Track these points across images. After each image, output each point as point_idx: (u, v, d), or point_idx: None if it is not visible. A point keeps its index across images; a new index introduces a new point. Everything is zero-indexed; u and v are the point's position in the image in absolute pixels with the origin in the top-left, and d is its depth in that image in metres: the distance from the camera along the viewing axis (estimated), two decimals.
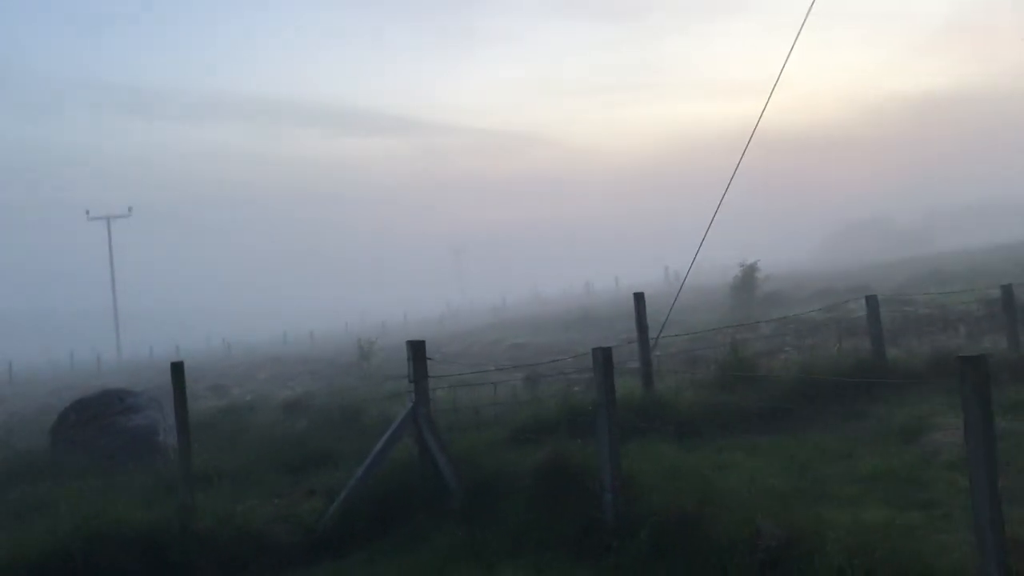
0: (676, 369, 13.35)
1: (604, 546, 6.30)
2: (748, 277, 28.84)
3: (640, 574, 5.93)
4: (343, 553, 7.67)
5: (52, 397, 30.26)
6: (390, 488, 8.24)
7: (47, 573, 6.99)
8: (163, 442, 12.85)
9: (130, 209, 64.62)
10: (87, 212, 63.79)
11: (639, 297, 9.81)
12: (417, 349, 8.49)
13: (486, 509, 7.45)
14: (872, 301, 10.92)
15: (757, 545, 5.39)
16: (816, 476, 7.54)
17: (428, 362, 8.56)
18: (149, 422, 13.02)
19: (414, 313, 67.75)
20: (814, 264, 67.76)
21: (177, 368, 7.76)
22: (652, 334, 12.60)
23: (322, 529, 7.91)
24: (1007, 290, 11.51)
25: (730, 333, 16.78)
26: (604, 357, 6.62)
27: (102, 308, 65.78)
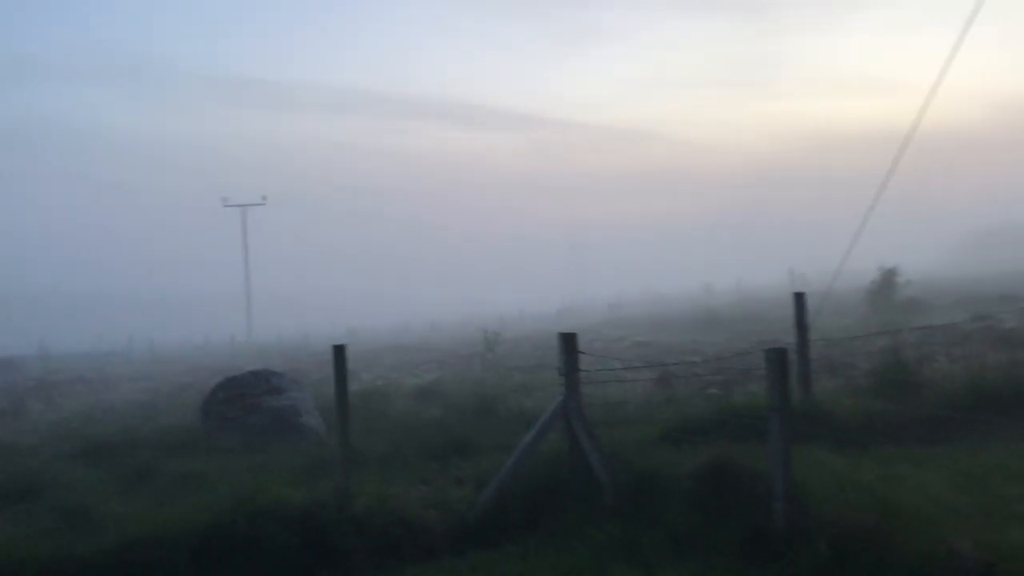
0: (817, 372, 12.84)
1: (775, 555, 6.03)
2: (887, 282, 27.63)
3: None
4: (494, 544, 7.63)
5: (189, 375, 31.70)
6: (539, 481, 8.17)
7: (212, 545, 7.22)
8: (305, 423, 13.20)
9: (264, 198, 67.13)
10: (224, 200, 66.56)
11: (799, 297, 9.44)
12: (569, 342, 8.38)
13: (642, 509, 7.28)
14: None
15: (954, 567, 5.04)
16: (999, 495, 7.04)
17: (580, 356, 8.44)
18: (293, 403, 13.38)
19: (530, 307, 67.95)
20: (947, 270, 64.56)
21: (339, 351, 7.88)
22: (790, 338, 12.13)
23: (472, 519, 7.90)
24: None
25: (874, 339, 16.07)
26: (779, 359, 6.34)
27: (233, 292, 68.65)
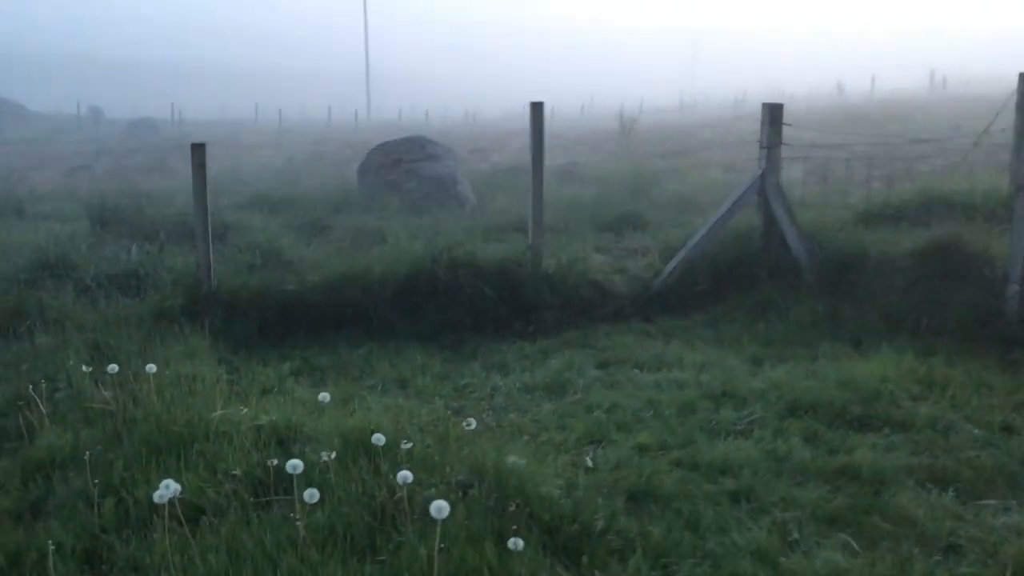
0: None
1: (1006, 339, 5.84)
2: None
3: None
4: (681, 312, 7.64)
5: (320, 145, 32.24)
6: (729, 256, 8.04)
7: (415, 287, 7.42)
8: (462, 192, 13.28)
9: None
10: None
11: None
12: (774, 113, 7.96)
13: (845, 287, 7.10)
14: None
15: None
16: None
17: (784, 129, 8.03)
18: (450, 171, 13.42)
19: (649, 100, 65.78)
20: None
21: (537, 107, 7.67)
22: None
23: (659, 286, 7.89)
24: None
25: None
26: None
27: (352, 68, 68.47)
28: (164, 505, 3.52)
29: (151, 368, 4.95)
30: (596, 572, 3.45)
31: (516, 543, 3.12)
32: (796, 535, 3.76)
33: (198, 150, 7.20)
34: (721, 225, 8.05)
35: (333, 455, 3.83)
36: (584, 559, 3.52)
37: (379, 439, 3.83)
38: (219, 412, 4.74)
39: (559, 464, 4.49)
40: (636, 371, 6.21)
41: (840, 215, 8.31)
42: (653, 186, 13.59)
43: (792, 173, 10.73)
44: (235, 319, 7.10)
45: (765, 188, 7.95)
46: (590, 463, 4.57)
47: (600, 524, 3.72)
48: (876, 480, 4.22)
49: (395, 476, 3.77)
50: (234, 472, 3.90)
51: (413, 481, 3.75)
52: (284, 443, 4.35)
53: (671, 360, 6.41)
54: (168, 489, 3.40)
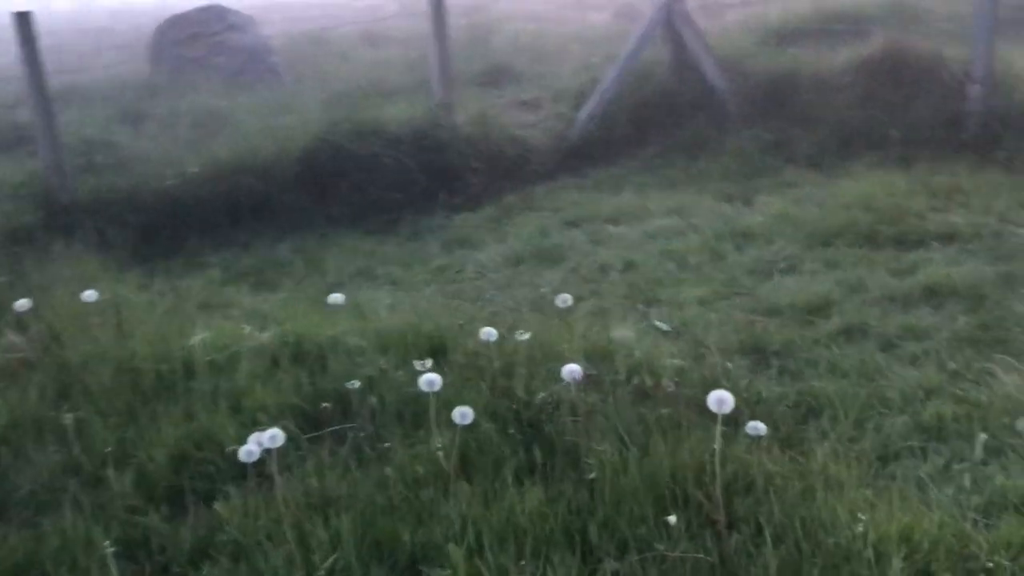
0: None
1: (973, 141, 5.78)
2: None
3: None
4: (607, 160, 7.09)
5: (50, 38, 27.98)
6: (643, 96, 7.50)
7: (318, 164, 6.36)
8: (276, 64, 11.77)
9: None
10: None
11: None
12: None
13: (780, 112, 6.82)
14: None
15: None
16: None
17: None
18: (261, 42, 11.83)
19: None
20: None
21: None
22: None
23: (576, 137, 7.26)
24: None
25: None
26: None
27: None
28: (250, 463, 2.57)
29: (90, 295, 3.75)
30: (796, 443, 2.91)
31: (756, 427, 2.51)
32: (953, 364, 3.41)
33: (23, 20, 5.57)
34: (631, 63, 7.48)
35: (429, 363, 2.98)
36: None
37: (490, 333, 3.02)
38: (199, 337, 3.67)
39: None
40: (611, 226, 5.64)
41: (740, 38, 7.94)
42: (490, 40, 12.68)
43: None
44: (112, 229, 5.74)
45: (672, 17, 7.41)
46: (664, 327, 3.99)
47: (762, 391, 3.18)
48: (977, 294, 3.95)
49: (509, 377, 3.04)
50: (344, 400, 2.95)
51: (527, 376, 3.05)
52: (325, 360, 3.40)
53: (636, 211, 5.90)
54: (274, 440, 2.46)
